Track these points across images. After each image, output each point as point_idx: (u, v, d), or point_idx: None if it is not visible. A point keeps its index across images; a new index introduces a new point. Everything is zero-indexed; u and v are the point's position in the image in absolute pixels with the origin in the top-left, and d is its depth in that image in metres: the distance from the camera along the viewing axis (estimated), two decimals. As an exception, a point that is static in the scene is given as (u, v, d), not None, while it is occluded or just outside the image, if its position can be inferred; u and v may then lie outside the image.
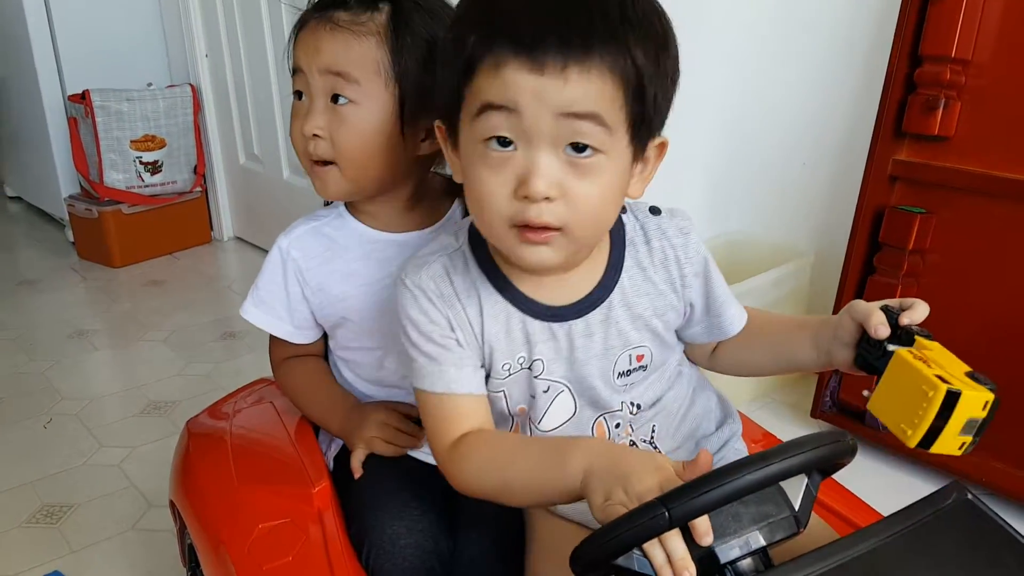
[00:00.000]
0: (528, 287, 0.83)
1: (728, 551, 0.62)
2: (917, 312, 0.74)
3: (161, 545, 1.49)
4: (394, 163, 0.96)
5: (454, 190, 1.05)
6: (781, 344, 0.89)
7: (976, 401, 0.66)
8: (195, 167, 3.02)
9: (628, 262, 0.85)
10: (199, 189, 3.06)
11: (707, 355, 0.96)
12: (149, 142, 2.87)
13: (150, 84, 2.93)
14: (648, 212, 0.88)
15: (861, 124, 1.73)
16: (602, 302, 0.84)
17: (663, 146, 0.78)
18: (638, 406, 0.88)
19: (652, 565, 0.60)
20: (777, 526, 0.64)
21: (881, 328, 0.73)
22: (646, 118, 0.73)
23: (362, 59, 0.92)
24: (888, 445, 1.67)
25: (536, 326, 0.83)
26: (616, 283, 0.84)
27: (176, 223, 3.01)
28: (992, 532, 0.67)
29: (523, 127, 0.70)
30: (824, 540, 0.64)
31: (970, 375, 0.68)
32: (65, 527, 1.58)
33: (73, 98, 2.83)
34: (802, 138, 1.99)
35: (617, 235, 0.86)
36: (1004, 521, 0.68)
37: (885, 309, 0.75)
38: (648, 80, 0.71)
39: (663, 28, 0.73)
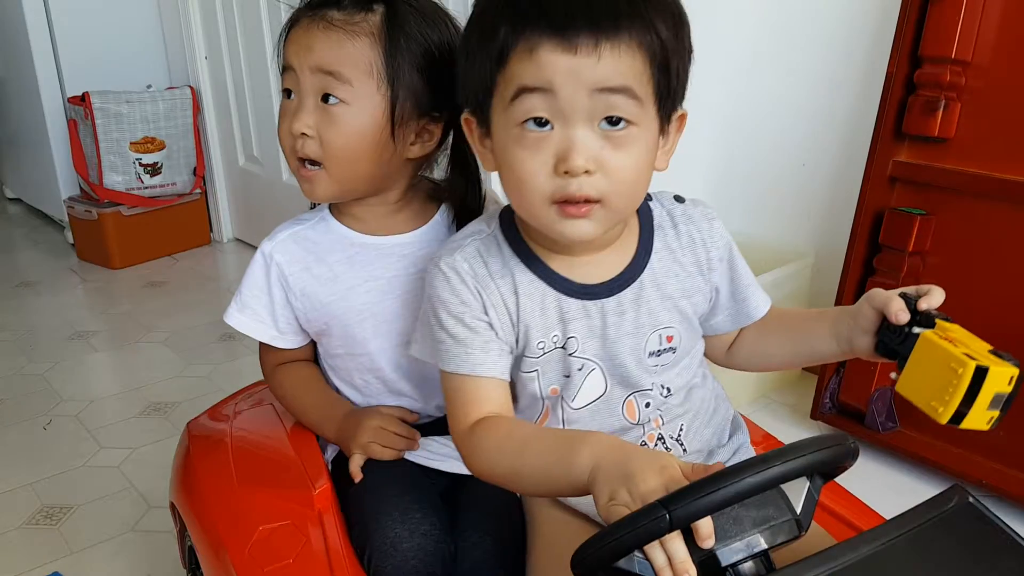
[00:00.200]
0: (561, 267, 0.85)
1: (730, 554, 0.62)
2: (934, 297, 0.77)
3: (161, 546, 1.49)
4: (383, 165, 0.96)
5: (440, 195, 1.05)
6: (800, 335, 0.91)
7: (1002, 376, 0.68)
8: (195, 169, 3.02)
9: (657, 244, 0.89)
10: (198, 191, 3.06)
11: (725, 349, 0.98)
12: (149, 144, 2.88)
13: (150, 86, 2.94)
14: (673, 200, 0.92)
15: (861, 125, 1.73)
16: (634, 281, 0.87)
17: (683, 118, 0.82)
18: (668, 390, 0.89)
19: (653, 567, 0.60)
20: (779, 529, 0.64)
21: (901, 314, 0.76)
22: (671, 89, 0.77)
23: (355, 59, 0.91)
24: (889, 447, 1.67)
25: (571, 304, 0.85)
26: (646, 264, 0.88)
27: (176, 225, 3.01)
28: (994, 535, 0.67)
29: (559, 106, 0.73)
30: (821, 546, 0.64)
31: (993, 352, 0.70)
32: (65, 528, 1.58)
33: (73, 100, 2.83)
34: (802, 139, 1.99)
35: (646, 220, 0.89)
36: (1006, 525, 0.68)
37: (903, 296, 0.77)
38: (672, 53, 0.75)
39: (677, 5, 0.78)
